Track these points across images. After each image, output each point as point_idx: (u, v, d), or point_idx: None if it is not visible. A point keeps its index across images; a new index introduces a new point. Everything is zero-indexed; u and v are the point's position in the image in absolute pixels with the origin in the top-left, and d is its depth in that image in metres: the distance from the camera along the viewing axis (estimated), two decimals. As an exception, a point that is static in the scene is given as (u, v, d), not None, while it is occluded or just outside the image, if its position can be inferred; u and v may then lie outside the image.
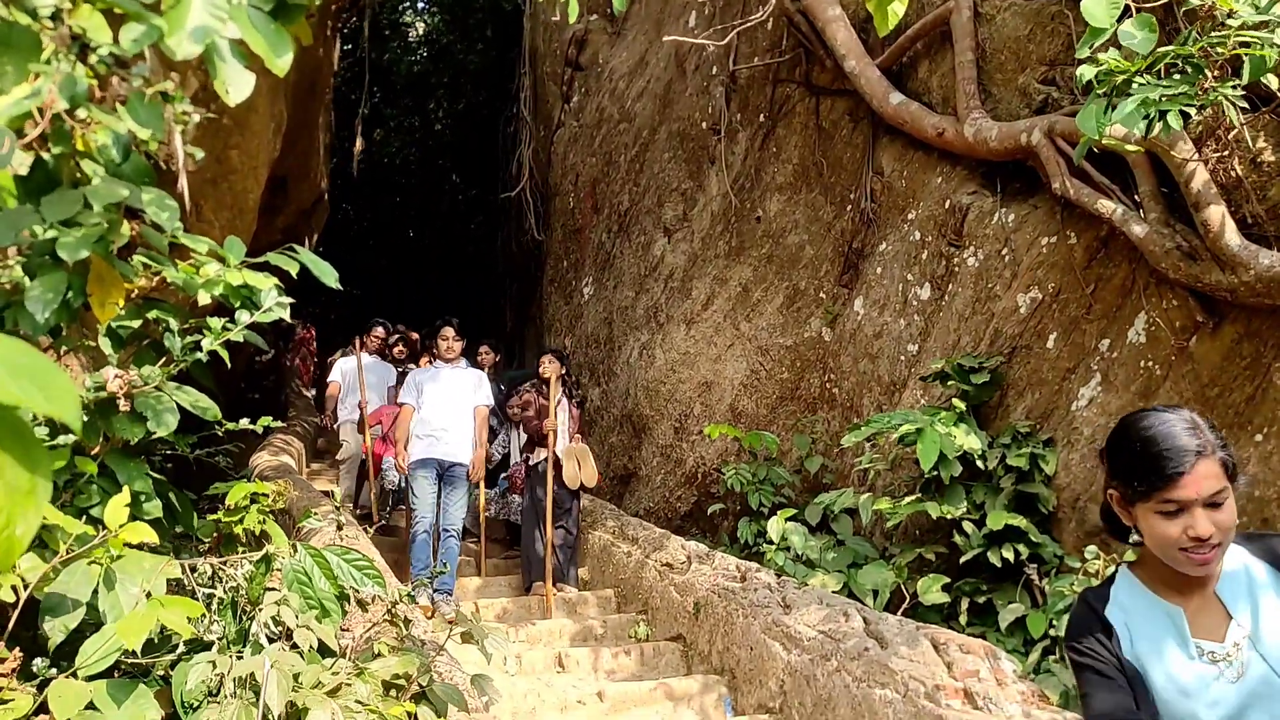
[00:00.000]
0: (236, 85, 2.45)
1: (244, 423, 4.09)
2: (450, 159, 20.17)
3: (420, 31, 19.71)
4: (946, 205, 6.27)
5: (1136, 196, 4.91)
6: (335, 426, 9.63)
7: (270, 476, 7.19)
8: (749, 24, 7.34)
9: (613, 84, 11.13)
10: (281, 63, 2.37)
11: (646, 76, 10.41)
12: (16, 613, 2.45)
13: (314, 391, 13.82)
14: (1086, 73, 3.45)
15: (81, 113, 3.51)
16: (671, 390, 8.77)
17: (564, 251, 12.13)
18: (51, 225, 3.14)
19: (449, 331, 7.27)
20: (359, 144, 16.09)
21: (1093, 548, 4.68)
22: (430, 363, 10.94)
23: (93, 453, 3.32)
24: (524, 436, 7.89)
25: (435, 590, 6.36)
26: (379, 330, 10.18)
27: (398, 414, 7.55)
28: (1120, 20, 3.85)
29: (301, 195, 12.44)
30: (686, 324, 8.86)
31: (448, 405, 7.02)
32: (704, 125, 9.14)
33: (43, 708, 2.43)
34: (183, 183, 6.33)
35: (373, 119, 19.68)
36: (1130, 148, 4.51)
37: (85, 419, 3.19)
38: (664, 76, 9.99)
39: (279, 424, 7.32)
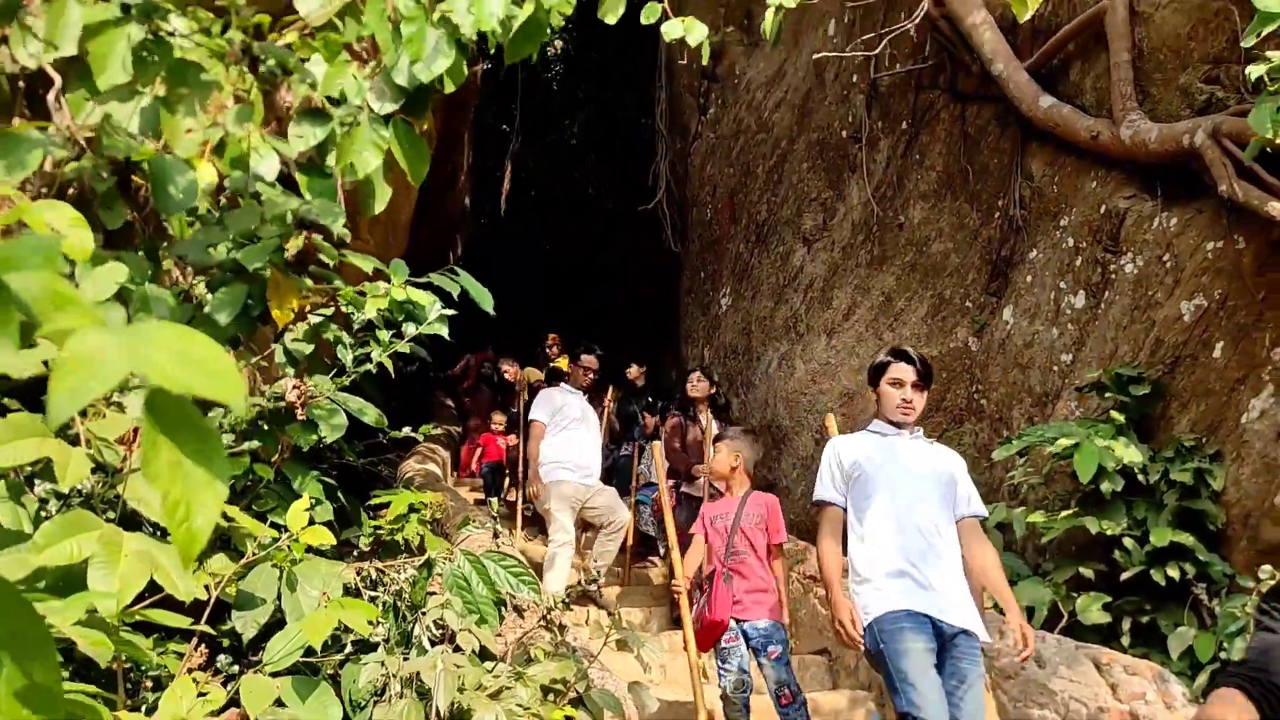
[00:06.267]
0: (380, 200, 2.81)
1: (406, 430, 4.28)
2: (586, 173, 20.48)
3: (558, 48, 20.12)
4: (1102, 210, 6.06)
5: (1313, 198, 4.66)
6: (533, 491, 7.05)
7: (420, 484, 7.44)
8: (893, 32, 7.24)
9: (750, 95, 11.13)
10: (420, 174, 2.70)
11: (784, 86, 10.38)
12: (209, 610, 2.62)
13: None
14: (1256, 70, 3.31)
15: (257, 139, 3.74)
16: (812, 401, 8.70)
17: (701, 263, 12.18)
18: (234, 241, 3.38)
19: (905, 370, 3.84)
20: (508, 173, 16.48)
21: (1268, 567, 4.44)
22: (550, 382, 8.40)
23: (270, 460, 3.53)
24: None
25: None
26: (590, 359, 7.64)
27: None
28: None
29: (447, 211, 12.86)
30: (827, 334, 8.78)
31: (925, 509, 3.70)
32: (844, 134, 9.06)
33: (232, 701, 2.60)
34: (340, 203, 6.65)
35: (510, 134, 20.18)
36: (1306, 147, 4.29)
37: (264, 427, 3.40)
38: (802, 86, 9.94)
39: (437, 431, 7.26)
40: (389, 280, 3.86)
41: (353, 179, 3.12)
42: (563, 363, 8.81)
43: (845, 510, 3.80)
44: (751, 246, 10.60)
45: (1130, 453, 5.12)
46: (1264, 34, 3.16)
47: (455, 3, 2.86)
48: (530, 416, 7.34)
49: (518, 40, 2.99)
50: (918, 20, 7.32)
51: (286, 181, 3.72)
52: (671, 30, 3.56)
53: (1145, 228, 5.72)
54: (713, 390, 7.50)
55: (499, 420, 10.60)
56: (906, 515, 3.63)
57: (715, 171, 11.84)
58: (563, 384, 7.56)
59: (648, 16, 3.69)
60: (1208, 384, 5.18)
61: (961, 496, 3.81)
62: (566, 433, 7.09)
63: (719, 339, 11.09)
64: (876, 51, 7.73)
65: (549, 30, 3.09)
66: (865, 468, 3.76)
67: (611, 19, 3.67)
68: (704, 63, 3.77)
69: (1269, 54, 3.26)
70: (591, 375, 7.67)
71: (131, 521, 2.48)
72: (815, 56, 9.23)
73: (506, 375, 11.35)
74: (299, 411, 3.26)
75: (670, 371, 13.57)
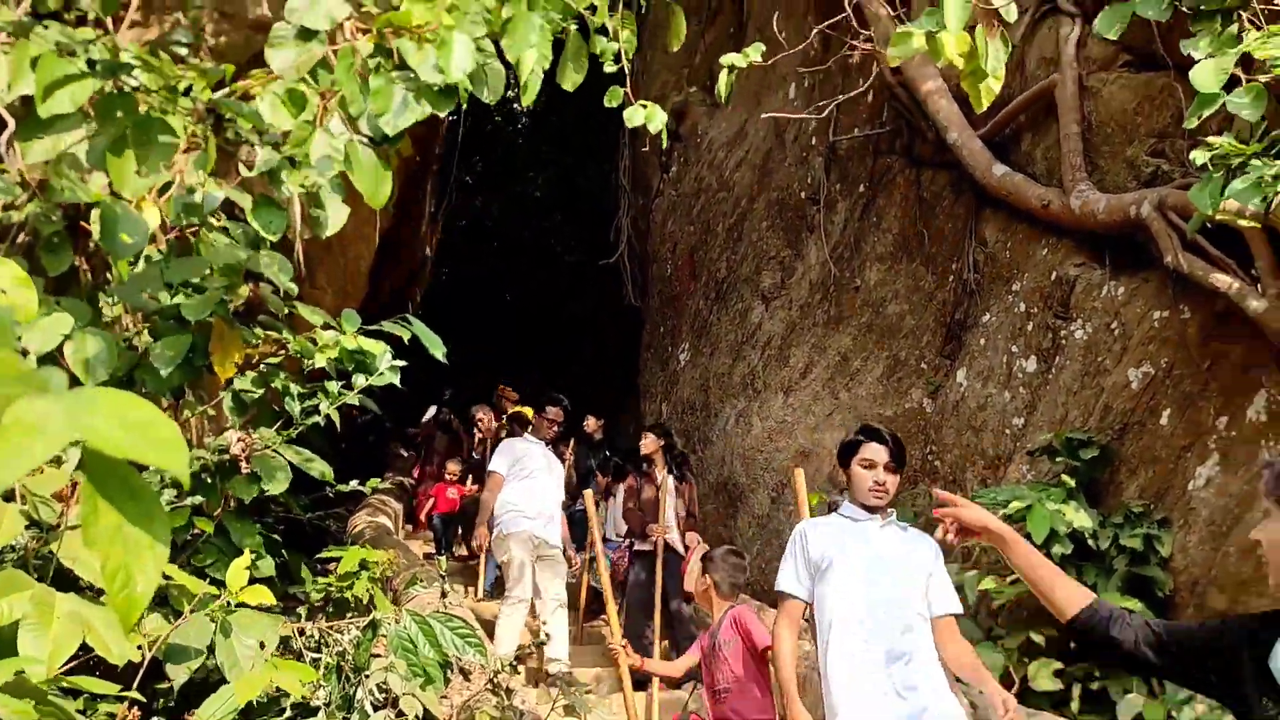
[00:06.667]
0: (334, 218, 2.77)
1: (354, 484, 4.23)
2: (549, 226, 20.59)
3: (523, 105, 20.31)
4: (1052, 277, 6.17)
5: (1254, 271, 4.78)
6: (486, 541, 6.93)
7: (370, 538, 7.33)
8: (851, 97, 7.39)
9: (711, 154, 11.27)
10: (380, 198, 2.67)
11: (745, 147, 10.52)
12: (142, 671, 2.55)
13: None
14: (1200, 156, 3.41)
15: (213, 186, 3.71)
16: (769, 459, 8.71)
17: (661, 318, 12.22)
18: (177, 289, 3.33)
19: (878, 451, 3.59)
20: (440, 222, 16.51)
21: (1213, 635, 4.47)
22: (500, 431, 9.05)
23: (213, 514, 3.46)
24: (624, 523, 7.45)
25: None
26: (555, 411, 7.60)
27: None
28: (1229, 89, 3.82)
29: (409, 259, 12.84)
30: (784, 392, 8.82)
31: (899, 604, 3.44)
32: (802, 195, 9.19)
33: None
34: (298, 251, 6.59)
35: (474, 186, 20.26)
36: (1245, 222, 4.40)
37: (208, 481, 3.34)
38: (763, 147, 10.09)
39: (386, 485, 7.15)
40: (340, 330, 3.83)
41: (306, 190, 3.07)
42: (526, 411, 8.77)
43: (808, 603, 3.57)
44: (711, 303, 10.67)
45: (1080, 517, 5.16)
46: (1205, 115, 3.27)
47: (423, 58, 2.88)
48: (489, 468, 7.18)
49: (526, 89, 3.07)
50: (873, 86, 7.48)
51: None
52: (633, 117, 3.61)
53: (1094, 295, 5.83)
54: (662, 443, 7.49)
55: (452, 469, 10.44)
56: (880, 610, 3.39)
57: (676, 228, 11.94)
58: (526, 434, 7.45)
59: (611, 100, 3.76)
60: (1155, 451, 5.25)
61: (936, 592, 3.54)
62: (528, 481, 6.93)
63: (677, 394, 11.10)
64: (826, 114, 7.85)
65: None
66: (834, 557, 3.49)
67: (569, 86, 3.74)
68: (663, 146, 3.88)
69: (1211, 139, 3.37)
70: (556, 428, 7.56)
71: (64, 579, 2.41)
72: (764, 116, 9.39)
73: (480, 424, 10.93)
74: (243, 465, 3.21)
75: (630, 425, 13.55)
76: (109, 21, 4.80)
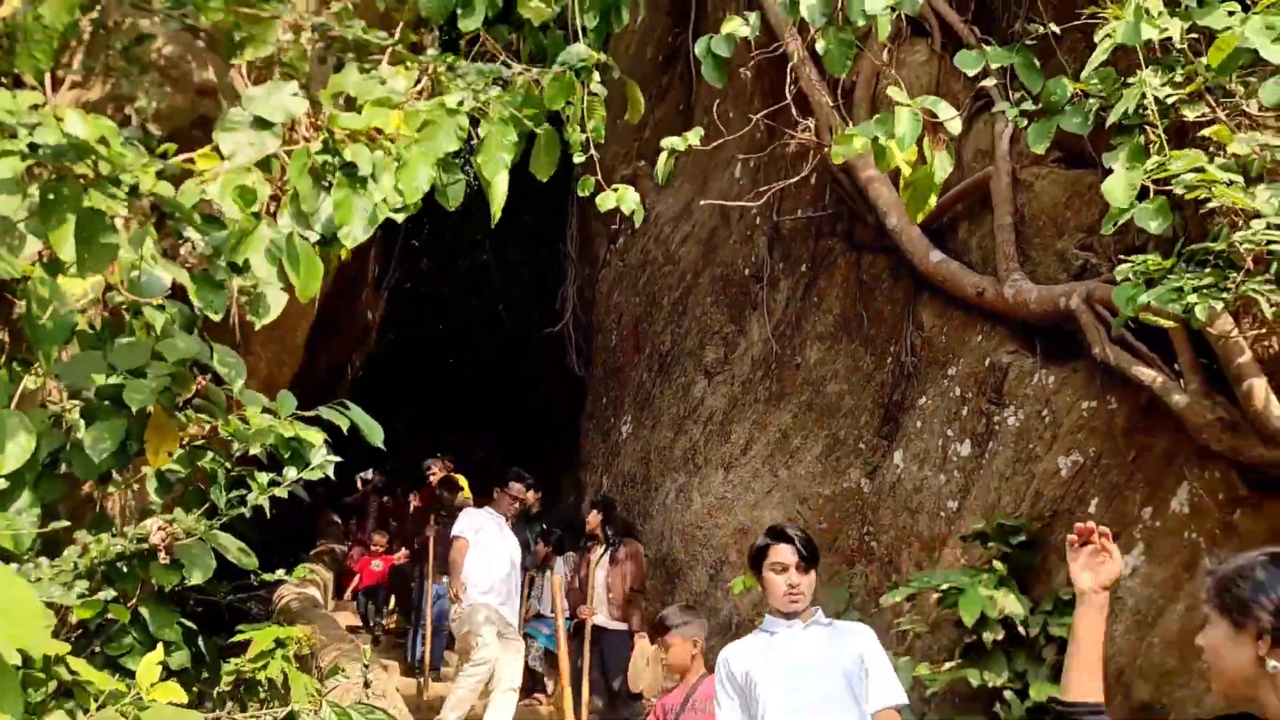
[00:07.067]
0: (272, 308, 2.78)
1: (279, 574, 4.13)
2: (495, 293, 20.59)
3: (471, 179, 20.43)
4: (987, 363, 6.29)
5: (1177, 366, 4.90)
6: (459, 608, 6.88)
7: (297, 610, 7.16)
8: (790, 183, 7.55)
9: (658, 228, 11.39)
10: (310, 292, 2.70)
11: (691, 223, 10.65)
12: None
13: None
14: (1122, 272, 3.56)
15: (155, 263, 3.65)
16: (708, 535, 8.69)
17: (604, 389, 12.23)
18: (119, 373, 3.24)
19: (786, 552, 3.51)
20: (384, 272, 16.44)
21: (1140, 727, 4.51)
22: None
23: (128, 601, 3.36)
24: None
25: None
26: (518, 488, 7.61)
27: None
28: (1144, 197, 3.99)
29: (349, 327, 12.73)
30: (725, 468, 8.83)
31: (829, 711, 3.36)
32: (746, 272, 9.30)
33: None
34: (234, 317, 6.50)
35: (420, 251, 20.25)
36: (1166, 321, 4.53)
37: (124, 569, 3.24)
38: (708, 224, 10.22)
39: (318, 552, 7.05)
40: (275, 414, 3.75)
41: (247, 284, 3.05)
42: (459, 478, 8.77)
43: None
44: (654, 375, 10.70)
45: (1011, 603, 5.21)
46: (1119, 223, 3.41)
47: (383, 180, 2.91)
48: (454, 531, 7.19)
49: (493, 202, 3.21)
50: (816, 171, 7.63)
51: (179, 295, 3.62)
52: (605, 202, 3.70)
53: (1026, 383, 5.95)
54: (600, 517, 7.48)
55: (379, 540, 10.26)
56: (802, 716, 3.31)
57: (622, 300, 12.00)
58: (487, 508, 7.46)
59: (583, 189, 3.86)
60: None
61: (874, 684, 3.42)
62: (485, 554, 6.97)
63: (618, 466, 11.06)
64: (764, 200, 7.94)
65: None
66: (757, 677, 3.40)
67: (543, 177, 3.82)
68: (636, 225, 3.96)
69: (1134, 257, 3.53)
70: (518, 504, 7.57)
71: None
72: (703, 203, 9.57)
73: (432, 476, 10.68)
74: (162, 555, 3.12)
75: (570, 495, 13.45)
76: (48, 83, 4.75)
